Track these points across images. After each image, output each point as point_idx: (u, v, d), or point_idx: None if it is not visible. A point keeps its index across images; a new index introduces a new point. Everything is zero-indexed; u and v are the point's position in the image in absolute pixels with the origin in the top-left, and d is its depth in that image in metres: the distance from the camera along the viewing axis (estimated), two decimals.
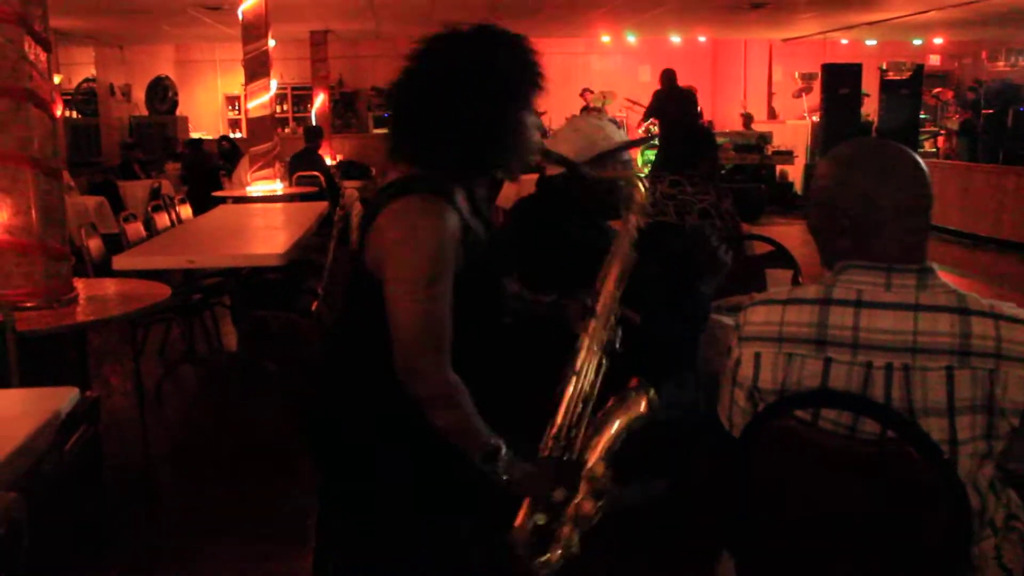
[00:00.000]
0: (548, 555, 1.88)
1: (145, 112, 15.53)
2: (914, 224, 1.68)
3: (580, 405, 1.92)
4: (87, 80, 15.19)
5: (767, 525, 1.77)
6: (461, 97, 1.77)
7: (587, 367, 1.94)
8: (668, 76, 11.43)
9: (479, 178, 1.93)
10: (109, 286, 3.75)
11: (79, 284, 3.64)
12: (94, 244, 5.12)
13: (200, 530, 3.50)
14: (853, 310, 1.66)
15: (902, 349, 1.61)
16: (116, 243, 5.57)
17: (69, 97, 15.29)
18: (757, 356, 1.76)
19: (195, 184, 10.79)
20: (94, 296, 3.56)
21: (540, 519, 1.88)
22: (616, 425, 1.92)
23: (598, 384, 1.94)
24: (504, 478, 1.80)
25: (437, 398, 1.76)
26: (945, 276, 1.71)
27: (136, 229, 5.77)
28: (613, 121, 2.61)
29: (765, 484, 1.75)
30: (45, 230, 3.36)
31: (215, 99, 16.61)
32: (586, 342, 1.94)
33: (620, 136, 2.63)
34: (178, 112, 15.83)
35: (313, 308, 5.43)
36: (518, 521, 1.88)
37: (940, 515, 1.56)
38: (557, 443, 1.90)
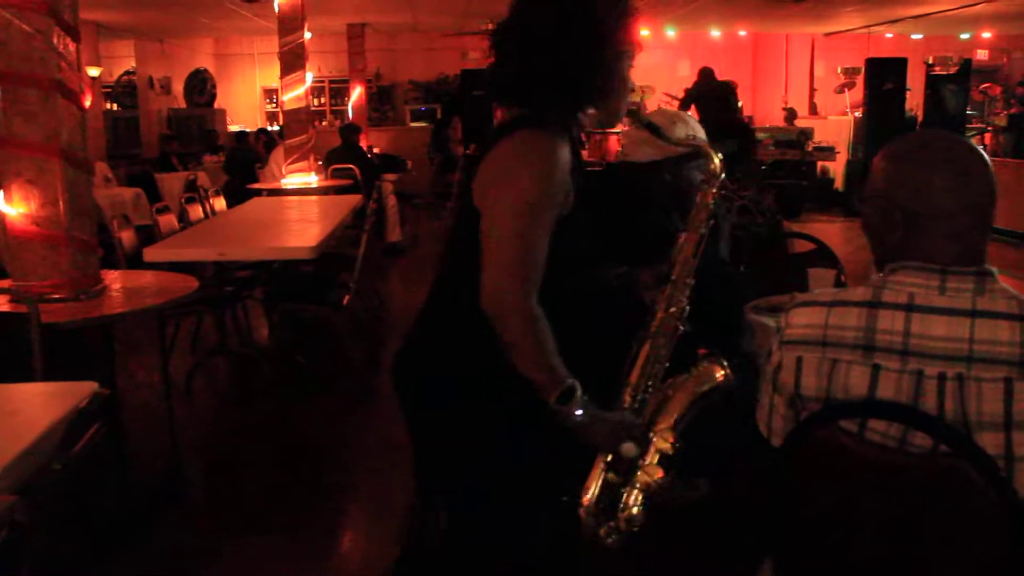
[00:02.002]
0: (614, 521, 1.85)
1: (184, 105, 15.61)
2: (973, 222, 1.57)
3: (655, 367, 1.90)
4: (127, 73, 15.31)
5: (810, 537, 1.67)
6: (561, 32, 1.77)
7: (662, 331, 1.92)
8: (706, 74, 11.20)
9: (578, 118, 1.90)
10: (137, 278, 3.72)
11: (107, 276, 3.61)
12: (127, 236, 5.12)
13: (228, 527, 3.46)
14: (904, 314, 1.55)
15: (956, 358, 1.50)
16: (150, 235, 5.58)
17: (109, 90, 15.44)
18: (799, 361, 1.66)
19: (236, 176, 10.85)
20: (121, 288, 3.52)
21: (612, 477, 1.84)
22: (688, 395, 1.90)
23: (671, 348, 1.92)
24: (577, 419, 1.74)
25: (518, 318, 1.71)
26: (1005, 280, 1.59)
27: (169, 221, 5.77)
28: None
29: (808, 496, 1.65)
30: (73, 222, 3.33)
31: (253, 92, 16.66)
32: (662, 306, 1.93)
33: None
34: (217, 105, 15.91)
35: (345, 302, 5.41)
36: (590, 481, 1.85)
37: (995, 535, 1.45)
38: (632, 402, 1.88)
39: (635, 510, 1.85)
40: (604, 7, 1.80)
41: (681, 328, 1.93)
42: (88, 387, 2.26)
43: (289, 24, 8.15)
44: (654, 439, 1.86)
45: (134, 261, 4.89)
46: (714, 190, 2.00)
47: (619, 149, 2.75)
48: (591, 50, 1.79)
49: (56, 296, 3.31)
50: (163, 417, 3.75)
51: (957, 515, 1.47)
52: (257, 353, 5.68)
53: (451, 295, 1.90)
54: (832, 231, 10.60)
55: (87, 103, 3.41)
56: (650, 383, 1.89)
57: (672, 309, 1.92)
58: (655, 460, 1.85)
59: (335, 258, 5.71)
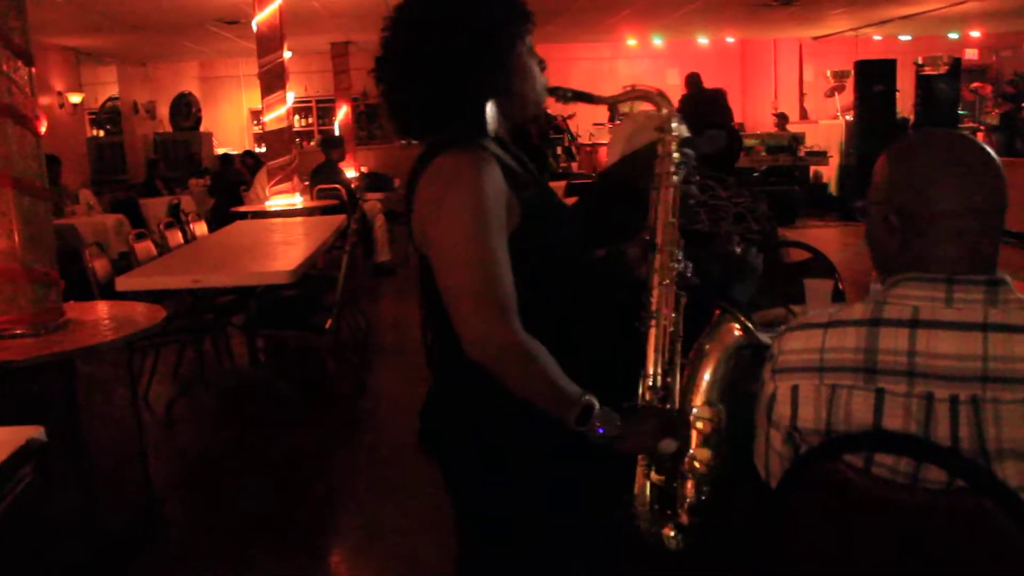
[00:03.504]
0: (676, 520, 1.68)
1: (169, 129, 15.49)
2: (979, 224, 1.41)
3: (668, 347, 1.71)
4: (111, 99, 15.18)
5: None
6: (440, 39, 1.62)
7: (664, 305, 1.73)
8: (693, 80, 11.11)
9: (488, 122, 1.72)
10: (102, 310, 3.55)
11: (70, 309, 3.45)
12: (100, 265, 4.96)
13: (208, 561, 3.32)
14: (908, 331, 1.39)
15: (970, 378, 1.34)
16: (128, 263, 5.43)
17: (94, 116, 15.31)
18: (795, 390, 1.50)
19: (221, 199, 10.71)
20: (85, 321, 3.35)
21: (656, 478, 1.68)
22: (713, 361, 1.70)
23: (681, 321, 1.73)
24: (605, 434, 1.57)
25: (509, 357, 1.54)
26: (1021, 288, 1.43)
27: (147, 248, 5.61)
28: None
29: (809, 540, 1.49)
30: (29, 253, 3.16)
31: (240, 114, 16.56)
32: (656, 279, 1.74)
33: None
34: (203, 128, 15.78)
35: (327, 325, 5.25)
36: (636, 487, 1.68)
37: None
38: (655, 393, 1.69)
39: (695, 499, 1.68)
40: (473, 3, 1.66)
41: (684, 298, 1.74)
42: (27, 432, 2.10)
43: (268, 44, 8.00)
44: (692, 418, 1.68)
45: (108, 291, 4.72)
46: (672, 134, 1.79)
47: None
48: (477, 51, 1.63)
49: (17, 332, 3.14)
50: (131, 457, 3.58)
51: (978, 559, 1.31)
52: (238, 382, 5.51)
53: (443, 345, 1.74)
54: (828, 236, 10.46)
55: (42, 129, 3.25)
56: (669, 364, 1.70)
57: (667, 280, 1.73)
58: (700, 442, 1.68)
59: (320, 280, 5.55)
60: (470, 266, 1.55)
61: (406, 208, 1.72)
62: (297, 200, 8.45)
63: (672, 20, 12.63)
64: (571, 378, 1.58)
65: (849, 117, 13.07)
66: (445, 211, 1.58)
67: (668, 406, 1.68)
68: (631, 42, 15.84)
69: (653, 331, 1.71)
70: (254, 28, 8.06)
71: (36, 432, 2.14)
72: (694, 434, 1.67)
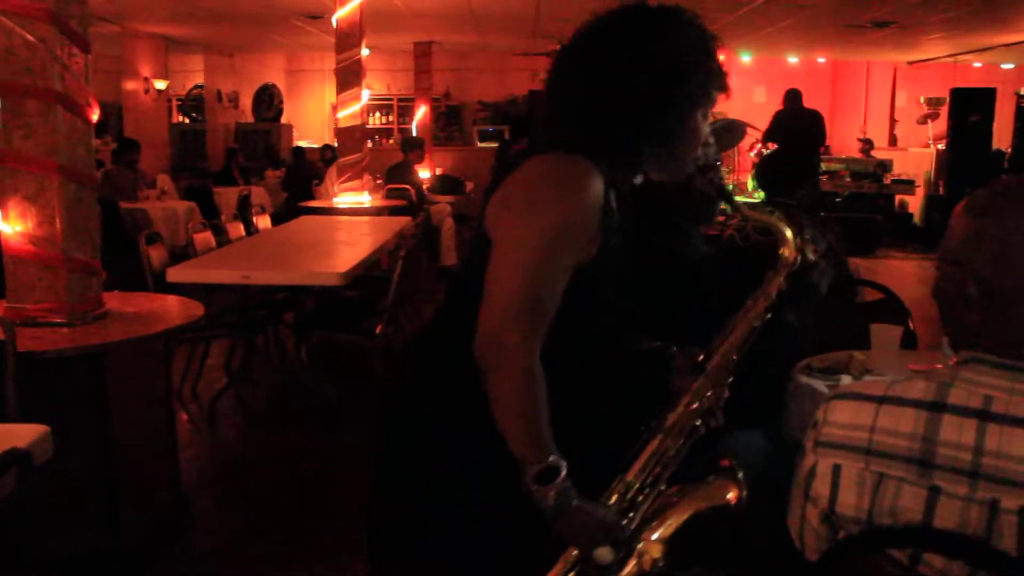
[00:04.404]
0: None
1: (252, 119, 15.70)
2: None
3: (659, 468, 1.59)
4: (197, 87, 15.47)
5: None
6: (625, 77, 1.52)
7: (678, 427, 1.61)
8: (792, 96, 10.75)
9: (628, 170, 1.64)
10: (142, 302, 3.50)
11: (111, 299, 3.40)
12: (156, 253, 4.94)
13: (227, 565, 3.26)
14: (976, 423, 1.20)
15: None
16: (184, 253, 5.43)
17: (180, 102, 15.63)
18: (836, 470, 1.31)
19: (294, 193, 10.77)
20: (124, 313, 3.30)
21: None
22: (691, 508, 1.57)
23: (684, 452, 1.61)
24: (553, 505, 1.44)
25: (512, 377, 1.44)
26: None
27: (206, 239, 5.60)
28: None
29: None
30: (71, 242, 3.12)
31: (323, 108, 16.69)
32: (685, 400, 1.63)
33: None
34: (285, 120, 15.96)
35: (378, 330, 5.15)
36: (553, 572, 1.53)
37: None
38: (621, 501, 1.55)
39: None
40: (679, 48, 1.54)
41: (702, 430, 1.63)
42: (31, 432, 2.02)
43: (347, 41, 7.99)
44: (639, 548, 1.53)
45: (162, 280, 4.70)
46: (781, 279, 1.69)
47: None
48: (660, 86, 1.52)
49: (54, 320, 3.11)
50: (166, 454, 3.52)
51: None
52: (285, 382, 5.45)
53: (444, 332, 1.65)
54: (907, 269, 10.04)
55: (94, 117, 3.21)
56: (649, 484, 1.56)
57: (695, 405, 1.61)
58: (633, 574, 1.52)
59: (380, 282, 5.45)
60: (530, 275, 1.45)
61: (487, 190, 1.59)
62: (365, 198, 8.41)
63: (762, 36, 12.30)
64: (557, 428, 1.46)
65: (941, 146, 12.57)
66: (534, 208, 1.47)
67: (625, 522, 1.54)
68: (719, 58, 15.52)
69: (654, 444, 1.59)
70: (334, 24, 8.06)
71: (39, 433, 2.08)
72: (631, 563, 1.52)
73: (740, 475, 1.57)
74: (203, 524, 3.63)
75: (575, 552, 1.51)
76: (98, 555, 3.09)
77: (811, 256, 1.71)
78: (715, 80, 1.59)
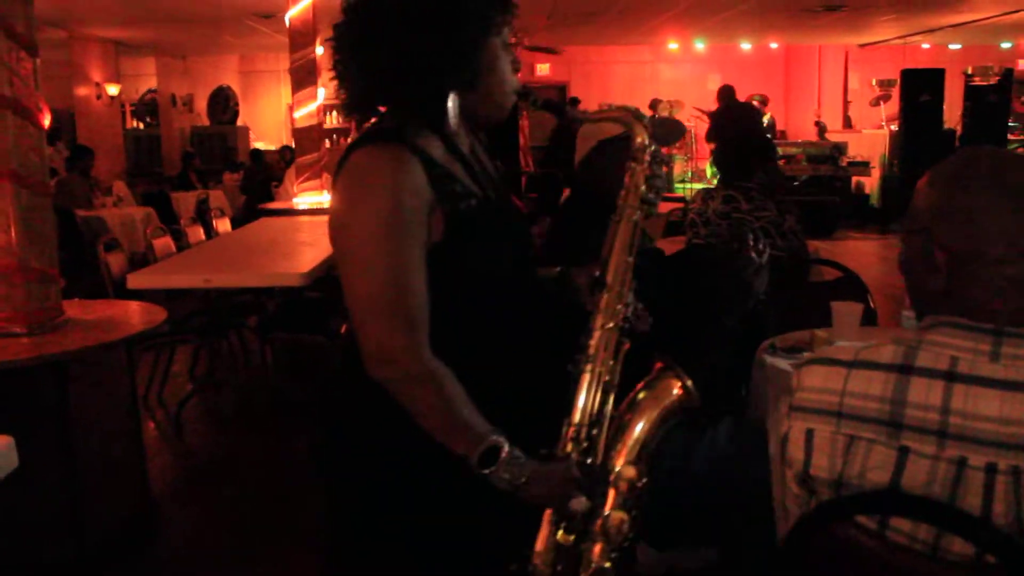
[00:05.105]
0: None
1: (207, 122, 15.54)
2: None
3: (600, 396, 1.55)
4: (151, 91, 15.27)
5: None
6: (407, 19, 1.45)
7: (603, 349, 1.57)
8: (724, 93, 10.84)
9: (445, 123, 1.54)
10: (103, 310, 3.45)
11: (72, 307, 3.35)
12: (115, 260, 4.88)
13: (200, 568, 3.24)
14: (943, 384, 1.22)
15: (1013, 446, 1.17)
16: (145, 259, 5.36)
17: (133, 108, 15.41)
18: (809, 434, 1.33)
19: (252, 195, 10.67)
20: (85, 321, 3.25)
21: (563, 537, 1.51)
22: (645, 419, 1.57)
23: (619, 370, 1.58)
24: (509, 480, 1.42)
25: (410, 380, 1.42)
26: None
27: (166, 244, 5.53)
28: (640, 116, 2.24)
29: None
30: (28, 250, 3.07)
31: (279, 109, 16.55)
32: (599, 320, 1.58)
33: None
34: (241, 122, 15.81)
35: (343, 330, 5.12)
36: (539, 543, 1.52)
37: None
38: (577, 445, 1.53)
39: (603, 565, 1.52)
40: None
41: (627, 344, 1.59)
42: None
43: (300, 40, 7.92)
44: (612, 478, 1.53)
45: (122, 287, 4.64)
46: (643, 166, 1.64)
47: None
48: (444, 35, 1.46)
49: (11, 331, 3.05)
50: (131, 462, 3.48)
51: None
52: (250, 385, 5.41)
53: (350, 357, 1.56)
54: (867, 249, 10.19)
55: (45, 122, 3.16)
56: (598, 416, 1.54)
57: (610, 324, 1.57)
58: (617, 504, 1.52)
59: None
60: (377, 277, 1.41)
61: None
62: (325, 198, 8.35)
63: (715, 24, 12.39)
64: (485, 414, 1.44)
65: (894, 127, 12.75)
66: (354, 214, 1.44)
67: (589, 460, 1.53)
68: (672, 46, 15.61)
69: (586, 376, 1.55)
70: (287, 23, 7.99)
71: (2, 444, 2.04)
72: (611, 494, 1.52)
73: (678, 370, 1.57)
74: (172, 531, 3.60)
75: (552, 513, 1.51)
76: (63, 565, 3.05)
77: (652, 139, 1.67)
78: (498, 4, 1.52)
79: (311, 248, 5.41)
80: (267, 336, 4.94)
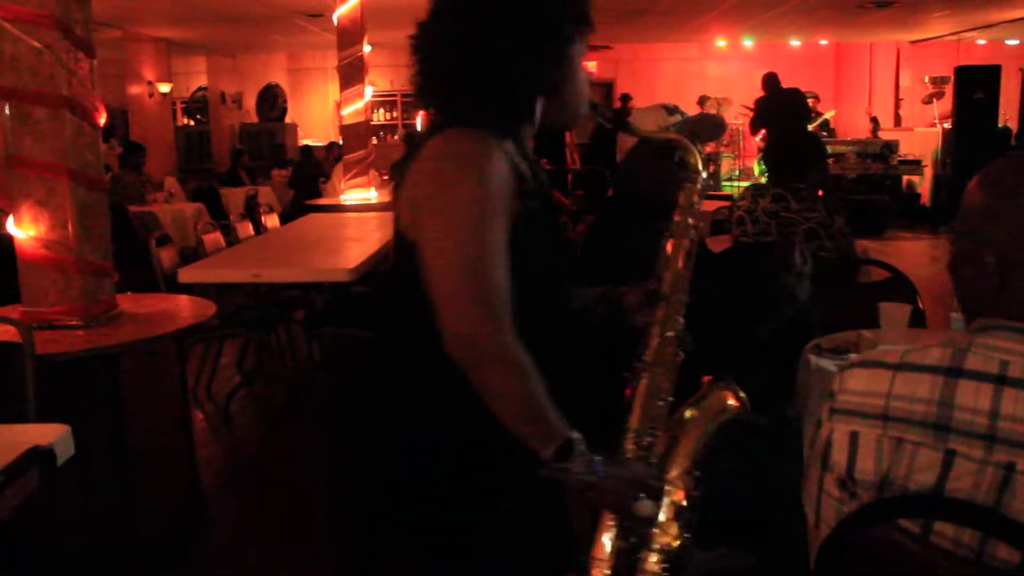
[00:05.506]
0: None
1: (256, 119, 15.75)
2: None
3: (657, 404, 1.59)
4: (201, 88, 15.52)
5: None
6: (494, 27, 1.49)
7: (660, 358, 1.61)
8: (768, 80, 10.72)
9: (523, 126, 1.59)
10: (155, 303, 3.53)
11: (125, 301, 3.43)
12: (166, 255, 4.98)
13: (246, 566, 3.28)
14: (992, 388, 1.21)
15: None
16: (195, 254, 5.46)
17: (184, 105, 15.68)
18: (854, 437, 1.32)
19: (300, 191, 10.80)
20: (137, 314, 3.33)
21: (625, 542, 1.53)
22: (699, 432, 1.61)
23: (674, 380, 1.61)
24: (582, 477, 1.42)
25: (495, 362, 1.40)
26: None
27: (216, 239, 5.63)
28: (680, 112, 2.26)
29: None
30: (83, 245, 3.15)
31: (327, 106, 16.73)
32: (656, 330, 1.62)
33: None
34: (288, 119, 16.01)
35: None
36: (598, 549, 1.53)
37: None
38: (637, 449, 1.56)
39: (657, 573, 1.53)
40: None
41: (681, 354, 1.62)
42: (49, 432, 2.05)
43: (348, 38, 8.02)
44: (667, 489, 1.55)
45: (173, 281, 4.74)
46: (698, 187, 1.69)
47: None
48: (530, 36, 1.49)
49: (66, 323, 3.14)
50: (182, 451, 3.55)
51: None
52: (299, 379, 5.49)
53: (395, 334, 1.59)
54: (917, 249, 10.03)
55: (101, 121, 3.23)
56: (654, 423, 1.57)
57: (669, 333, 1.60)
58: (671, 514, 1.54)
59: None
60: (470, 260, 1.41)
61: (394, 182, 1.57)
62: (372, 195, 8.43)
63: (763, 21, 12.27)
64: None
65: (947, 125, 12.53)
66: (449, 196, 1.44)
67: (652, 469, 1.55)
68: (720, 43, 15.50)
69: (644, 384, 1.58)
70: (335, 22, 8.08)
71: (59, 432, 2.10)
72: (667, 503, 1.54)
73: (731, 382, 1.60)
74: (221, 522, 3.67)
75: (610, 518, 1.52)
76: (115, 555, 3.12)
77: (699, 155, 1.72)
78: (580, 16, 1.56)
79: (358, 244, 5.47)
80: (314, 331, 5.00)
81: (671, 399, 1.60)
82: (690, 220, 1.68)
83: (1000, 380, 1.21)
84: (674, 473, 1.56)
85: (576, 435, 1.43)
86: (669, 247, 1.68)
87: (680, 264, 1.65)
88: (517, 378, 1.41)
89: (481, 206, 1.43)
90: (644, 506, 1.48)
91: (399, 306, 1.57)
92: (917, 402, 1.26)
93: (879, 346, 2.54)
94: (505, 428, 1.42)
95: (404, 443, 1.56)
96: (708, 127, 2.33)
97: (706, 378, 1.63)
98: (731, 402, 1.60)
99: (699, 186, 1.69)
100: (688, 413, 1.61)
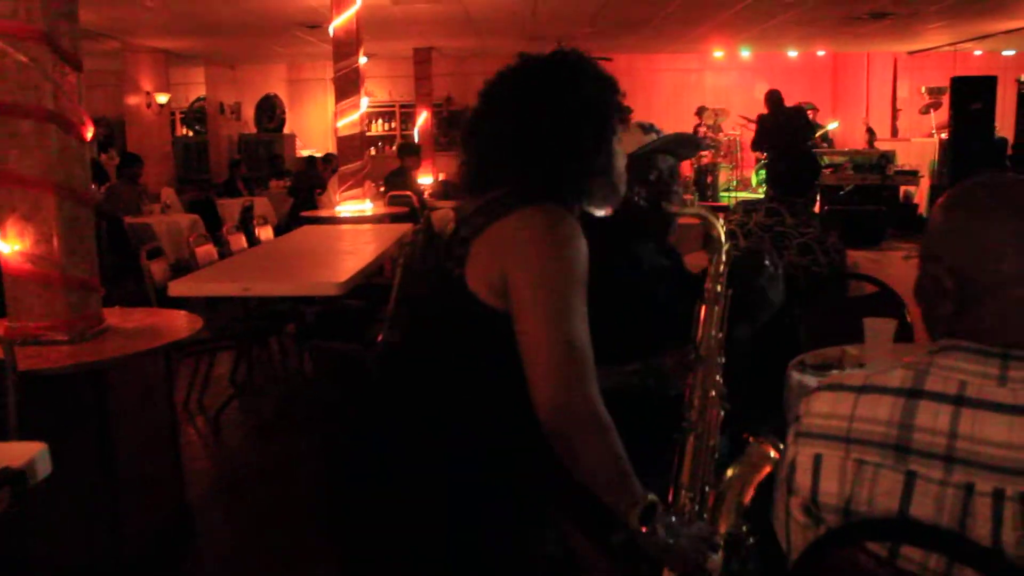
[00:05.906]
0: None
1: (254, 130, 15.77)
2: None
3: (706, 461, 1.74)
4: (199, 99, 15.54)
5: None
6: (553, 119, 1.63)
7: (704, 419, 1.75)
8: (772, 98, 10.73)
9: (572, 207, 1.70)
10: (143, 318, 3.52)
11: (112, 315, 3.43)
12: (157, 268, 4.97)
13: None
14: (951, 409, 1.20)
15: (1020, 471, 1.15)
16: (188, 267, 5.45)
17: (182, 115, 15.69)
18: (817, 460, 1.31)
19: (299, 202, 10.80)
20: (124, 329, 3.33)
21: None
22: (745, 483, 1.71)
23: (719, 437, 1.77)
24: (662, 539, 1.48)
25: (595, 438, 1.49)
26: None
27: (208, 251, 5.63)
28: (656, 131, 2.27)
29: None
30: (69, 260, 3.15)
31: (325, 117, 16.74)
32: (699, 392, 1.77)
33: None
34: (288, 130, 16.03)
35: (379, 339, 5.15)
36: None
37: None
38: (693, 505, 1.69)
39: None
40: (591, 89, 1.67)
41: (724, 411, 1.75)
42: (30, 449, 2.03)
43: (344, 49, 8.01)
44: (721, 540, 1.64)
45: (164, 294, 4.73)
46: (723, 257, 1.84)
47: None
48: (582, 136, 1.64)
49: (51, 338, 3.13)
50: (166, 468, 3.54)
51: None
52: (289, 392, 5.47)
53: (453, 394, 1.64)
54: (912, 261, 10.01)
55: (88, 135, 3.23)
56: (705, 480, 1.69)
57: (712, 392, 1.74)
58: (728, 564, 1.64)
59: (383, 290, 5.45)
60: (571, 329, 1.49)
61: (460, 248, 1.61)
62: (367, 206, 8.43)
63: (759, 32, 12.30)
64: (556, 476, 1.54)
65: (944, 136, 12.53)
66: (551, 266, 1.52)
67: (712, 525, 1.66)
68: (718, 54, 15.52)
69: (691, 443, 1.71)
70: (331, 33, 8.09)
71: (36, 450, 2.09)
72: (721, 555, 1.60)
73: (770, 437, 1.68)
74: (209, 535, 3.66)
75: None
76: (102, 572, 3.11)
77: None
78: (621, 112, 1.70)
79: (350, 256, 5.47)
80: (304, 344, 4.99)
81: (717, 457, 1.72)
82: (719, 287, 1.81)
83: (958, 401, 1.20)
84: (724, 526, 1.67)
85: (655, 497, 1.49)
86: (702, 312, 1.81)
87: (713, 331, 1.79)
88: (611, 442, 1.49)
89: (577, 279, 1.53)
90: (713, 562, 1.55)
91: (457, 366, 1.64)
92: (878, 424, 1.25)
93: (860, 366, 2.54)
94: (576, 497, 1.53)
95: (452, 502, 1.63)
96: (685, 145, 2.34)
97: (747, 436, 1.72)
98: (772, 454, 1.67)
99: (724, 256, 1.83)
100: (732, 473, 1.71)
